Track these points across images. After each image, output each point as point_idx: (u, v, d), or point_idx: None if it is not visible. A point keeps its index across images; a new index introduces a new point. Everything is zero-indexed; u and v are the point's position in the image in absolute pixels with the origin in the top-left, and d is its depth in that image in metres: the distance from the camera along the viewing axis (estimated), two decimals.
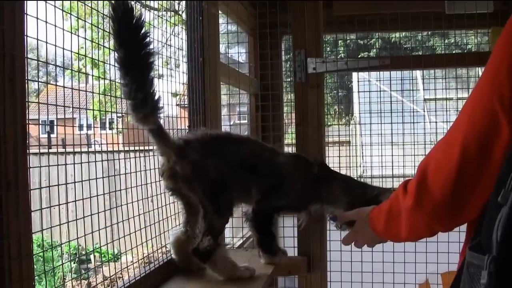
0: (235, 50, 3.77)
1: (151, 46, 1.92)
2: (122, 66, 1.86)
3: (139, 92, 1.88)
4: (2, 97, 1.26)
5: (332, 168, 2.51)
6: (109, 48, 1.92)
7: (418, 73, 4.60)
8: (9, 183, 1.26)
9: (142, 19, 1.87)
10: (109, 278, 2.24)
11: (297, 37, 3.11)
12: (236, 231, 3.17)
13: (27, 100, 1.35)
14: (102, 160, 1.92)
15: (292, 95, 3.39)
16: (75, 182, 1.67)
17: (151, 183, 2.13)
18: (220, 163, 2.14)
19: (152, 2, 2.49)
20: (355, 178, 2.58)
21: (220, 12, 2.87)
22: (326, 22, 3.28)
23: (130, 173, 2.05)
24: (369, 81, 4.61)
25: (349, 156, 3.78)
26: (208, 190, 2.10)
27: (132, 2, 1.87)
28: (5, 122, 1.26)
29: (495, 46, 1.26)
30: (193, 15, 2.58)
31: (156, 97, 1.94)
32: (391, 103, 3.41)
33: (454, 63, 3.17)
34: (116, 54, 1.86)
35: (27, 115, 1.34)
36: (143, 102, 1.90)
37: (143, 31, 1.87)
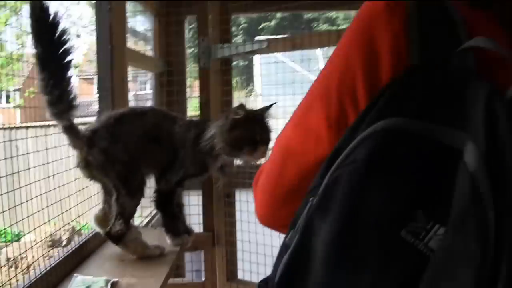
0: (140, 27, 3.78)
1: (69, 45, 1.99)
2: (40, 62, 1.94)
3: (55, 88, 1.96)
4: None
5: None
6: (5, 22, 1.89)
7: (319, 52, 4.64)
8: None
9: (58, 17, 1.94)
10: (13, 259, 2.20)
11: (201, 24, 3.34)
12: (144, 209, 3.19)
13: None
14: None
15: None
16: None
17: (52, 162, 2.10)
18: (127, 143, 2.22)
19: None
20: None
21: None
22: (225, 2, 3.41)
23: (32, 153, 2.01)
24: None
25: None
26: (121, 173, 2.19)
27: None
28: None
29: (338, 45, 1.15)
30: (102, 1, 2.64)
31: (72, 95, 2.02)
32: (293, 74, 3.44)
33: (334, 42, 3.19)
34: (34, 50, 1.93)
35: None
36: (59, 99, 1.98)
37: (60, 29, 1.95)
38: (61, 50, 1.96)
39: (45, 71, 1.94)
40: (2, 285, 1.74)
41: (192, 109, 3.99)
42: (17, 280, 1.76)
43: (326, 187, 0.99)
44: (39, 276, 1.90)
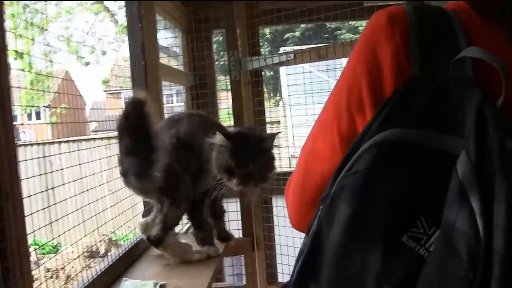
0: (169, 42, 3.85)
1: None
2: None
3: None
4: None
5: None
6: (32, 39, 1.93)
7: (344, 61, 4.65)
8: (7, 194, 1.43)
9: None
10: (53, 270, 2.25)
11: (229, 39, 3.38)
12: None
13: None
14: (37, 157, 1.92)
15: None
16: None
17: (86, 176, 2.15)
18: (170, 154, 2.26)
19: None
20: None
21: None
22: (251, 16, 3.47)
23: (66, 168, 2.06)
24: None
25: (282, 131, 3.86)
26: (161, 184, 2.20)
27: None
28: (0, 143, 1.42)
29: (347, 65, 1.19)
30: (133, 20, 2.71)
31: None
32: (320, 83, 3.47)
33: None
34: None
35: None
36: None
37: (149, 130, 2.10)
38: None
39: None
40: None
41: (222, 120, 4.03)
42: None
43: (333, 196, 1.03)
44: (90, 281, 1.96)
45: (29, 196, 1.62)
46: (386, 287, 0.92)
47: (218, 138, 2.20)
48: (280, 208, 3.37)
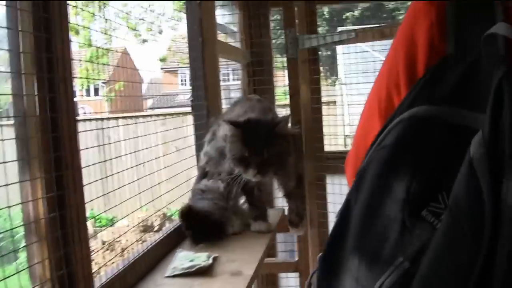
0: (226, 20, 3.87)
1: None
2: None
3: None
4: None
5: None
6: (92, 14, 1.95)
7: None
8: (67, 164, 1.47)
9: None
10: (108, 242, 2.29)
11: (287, 16, 3.43)
12: None
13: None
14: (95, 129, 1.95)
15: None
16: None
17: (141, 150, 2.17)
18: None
19: None
20: None
21: None
22: None
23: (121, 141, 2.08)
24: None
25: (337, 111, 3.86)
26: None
27: None
28: (62, 116, 1.45)
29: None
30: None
31: None
32: (374, 63, 3.44)
33: None
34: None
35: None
36: None
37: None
38: None
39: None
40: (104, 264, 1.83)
41: (278, 99, 4.02)
42: (113, 263, 1.84)
43: (362, 170, 1.09)
44: (145, 251, 2.01)
45: (87, 166, 1.65)
46: (400, 259, 0.95)
47: (226, 128, 2.18)
48: (334, 186, 3.37)
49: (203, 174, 2.43)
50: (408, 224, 0.96)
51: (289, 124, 2.33)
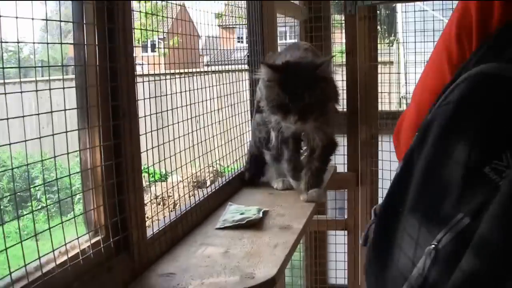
0: None
1: None
2: None
3: None
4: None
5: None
6: None
7: None
8: (124, 113, 1.50)
9: None
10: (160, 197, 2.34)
11: None
12: None
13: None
14: (148, 81, 1.97)
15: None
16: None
17: (195, 103, 2.18)
18: None
19: None
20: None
21: None
22: None
23: (175, 93, 2.10)
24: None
25: (394, 72, 3.82)
26: None
27: None
28: (121, 66, 1.48)
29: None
30: None
31: None
32: (433, 22, 3.39)
33: None
34: None
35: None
36: None
37: None
38: None
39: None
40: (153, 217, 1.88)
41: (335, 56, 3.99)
42: (164, 216, 1.88)
43: (425, 124, 1.10)
44: (196, 203, 2.08)
45: (144, 117, 1.67)
46: (460, 215, 0.96)
47: (264, 72, 2.07)
48: (386, 143, 3.36)
49: (258, 108, 2.40)
50: (470, 181, 0.96)
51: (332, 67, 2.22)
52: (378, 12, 3.55)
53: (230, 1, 2.96)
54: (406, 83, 4.38)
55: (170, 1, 2.04)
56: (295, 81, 2.04)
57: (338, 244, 3.61)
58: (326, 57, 2.17)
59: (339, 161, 3.33)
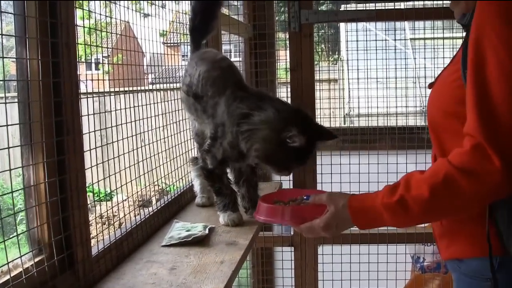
0: None
1: None
2: None
3: None
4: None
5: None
6: None
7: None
8: (68, 129, 1.49)
9: None
10: (106, 216, 2.31)
11: None
12: None
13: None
14: (93, 97, 1.95)
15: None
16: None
17: (140, 119, 2.16)
18: None
19: None
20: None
21: None
22: None
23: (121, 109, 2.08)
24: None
25: (338, 89, 3.86)
26: None
27: None
28: (64, 81, 1.47)
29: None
30: None
31: None
32: (376, 41, 3.46)
33: (441, 16, 3.20)
34: None
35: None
36: None
37: None
38: None
39: None
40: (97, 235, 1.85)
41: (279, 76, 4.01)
42: (109, 235, 1.86)
43: None
44: (142, 221, 2.06)
45: (88, 133, 1.65)
46: None
47: (297, 140, 1.93)
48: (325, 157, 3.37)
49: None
50: None
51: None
52: (323, 30, 3.61)
53: (175, 18, 2.95)
54: (349, 100, 4.45)
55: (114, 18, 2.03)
56: (309, 151, 2.05)
57: (285, 260, 3.61)
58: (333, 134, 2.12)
59: (285, 177, 3.35)
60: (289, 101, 3.30)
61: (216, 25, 2.68)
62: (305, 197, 1.84)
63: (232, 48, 4.20)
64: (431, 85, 1.72)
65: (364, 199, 1.61)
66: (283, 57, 3.86)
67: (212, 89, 2.20)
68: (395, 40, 3.97)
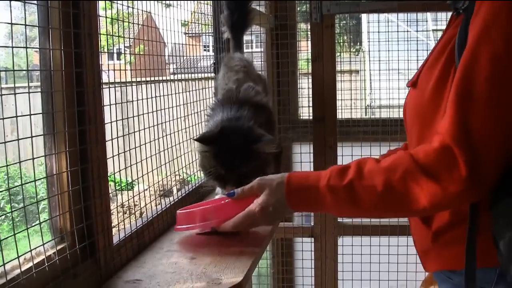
0: None
1: None
2: None
3: None
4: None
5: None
6: None
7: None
8: (90, 119, 1.50)
9: None
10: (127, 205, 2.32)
11: None
12: None
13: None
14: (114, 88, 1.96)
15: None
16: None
17: (161, 109, 2.17)
18: None
19: None
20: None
21: None
22: None
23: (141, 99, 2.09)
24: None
25: (359, 80, 3.86)
26: None
27: None
28: (87, 71, 1.48)
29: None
30: None
31: None
32: (398, 32, 3.45)
33: None
34: None
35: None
36: None
37: None
38: None
39: None
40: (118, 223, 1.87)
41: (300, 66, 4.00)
42: (130, 224, 1.87)
43: None
44: (162, 211, 2.08)
45: (110, 123, 1.66)
46: None
47: (197, 145, 1.97)
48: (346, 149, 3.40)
49: None
50: None
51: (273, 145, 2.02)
52: (344, 21, 3.60)
53: (197, 9, 2.96)
54: (371, 91, 4.44)
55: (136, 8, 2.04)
56: (230, 153, 1.94)
57: (305, 251, 3.62)
58: (267, 137, 1.98)
59: (305, 168, 3.35)
60: (310, 92, 3.30)
61: (253, 17, 2.72)
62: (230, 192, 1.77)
63: (254, 39, 4.20)
64: (414, 84, 1.60)
65: (306, 177, 1.52)
66: (305, 48, 3.86)
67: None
68: (417, 31, 3.95)
